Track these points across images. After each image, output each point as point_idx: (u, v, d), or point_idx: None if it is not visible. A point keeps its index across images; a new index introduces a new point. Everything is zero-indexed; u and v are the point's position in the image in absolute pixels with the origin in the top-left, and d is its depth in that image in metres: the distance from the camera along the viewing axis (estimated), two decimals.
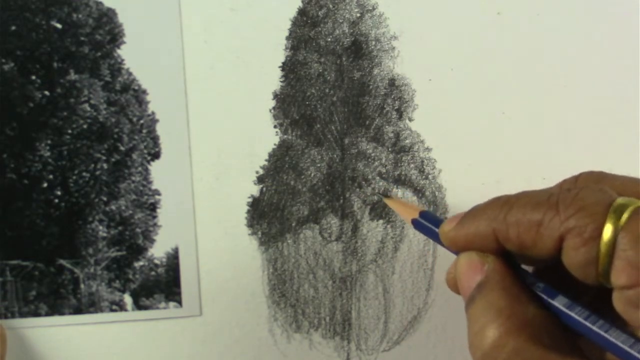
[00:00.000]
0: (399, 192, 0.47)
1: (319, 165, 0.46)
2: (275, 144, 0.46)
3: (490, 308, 0.28)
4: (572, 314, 0.27)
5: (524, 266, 0.30)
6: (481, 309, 0.28)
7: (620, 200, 0.26)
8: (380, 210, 0.47)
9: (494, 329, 0.27)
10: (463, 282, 0.30)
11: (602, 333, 0.26)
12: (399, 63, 0.46)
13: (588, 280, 0.27)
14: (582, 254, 0.26)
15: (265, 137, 0.46)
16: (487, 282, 0.28)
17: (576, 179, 0.30)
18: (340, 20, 0.45)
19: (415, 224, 0.35)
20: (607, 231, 0.25)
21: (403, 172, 0.47)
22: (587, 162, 0.47)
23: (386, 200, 0.43)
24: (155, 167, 0.46)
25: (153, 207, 0.46)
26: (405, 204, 0.39)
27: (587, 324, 0.27)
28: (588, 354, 0.27)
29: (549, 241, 0.27)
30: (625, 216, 0.25)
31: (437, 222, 0.34)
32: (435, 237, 0.33)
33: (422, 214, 0.35)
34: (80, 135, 0.45)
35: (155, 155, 0.45)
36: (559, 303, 0.28)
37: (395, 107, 0.46)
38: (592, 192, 0.27)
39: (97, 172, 0.45)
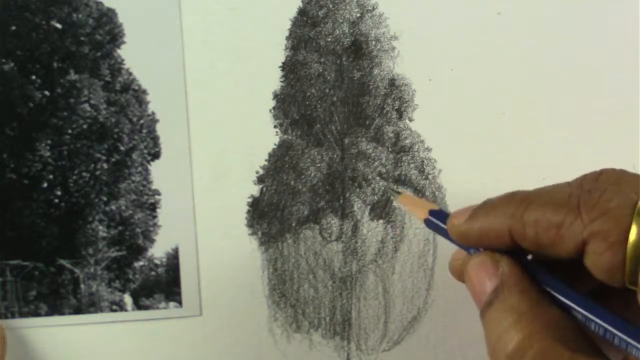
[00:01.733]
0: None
1: (319, 165, 0.46)
2: (275, 144, 0.46)
3: (510, 312, 0.27)
4: (597, 320, 0.26)
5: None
6: (501, 314, 0.27)
7: None
8: (380, 210, 0.47)
9: (518, 332, 0.26)
10: (476, 287, 0.29)
11: (629, 340, 0.25)
12: (399, 63, 0.46)
13: (612, 283, 0.26)
14: (607, 258, 0.26)
15: (265, 137, 0.46)
16: (504, 287, 0.28)
17: (598, 177, 0.28)
18: (340, 20, 0.45)
19: (427, 222, 0.34)
20: (633, 234, 0.25)
21: (403, 172, 0.47)
22: (587, 161, 0.47)
23: (398, 197, 0.40)
24: (155, 167, 0.46)
25: (153, 207, 0.46)
26: (417, 201, 0.37)
27: (614, 330, 0.26)
28: (608, 354, 0.27)
29: (570, 244, 0.26)
30: None
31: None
32: (446, 234, 0.32)
33: (432, 212, 0.33)
34: (80, 135, 0.45)
35: (155, 155, 0.45)
36: (578, 305, 0.27)
37: (395, 107, 0.46)
38: (615, 195, 0.26)
39: (97, 172, 0.45)
